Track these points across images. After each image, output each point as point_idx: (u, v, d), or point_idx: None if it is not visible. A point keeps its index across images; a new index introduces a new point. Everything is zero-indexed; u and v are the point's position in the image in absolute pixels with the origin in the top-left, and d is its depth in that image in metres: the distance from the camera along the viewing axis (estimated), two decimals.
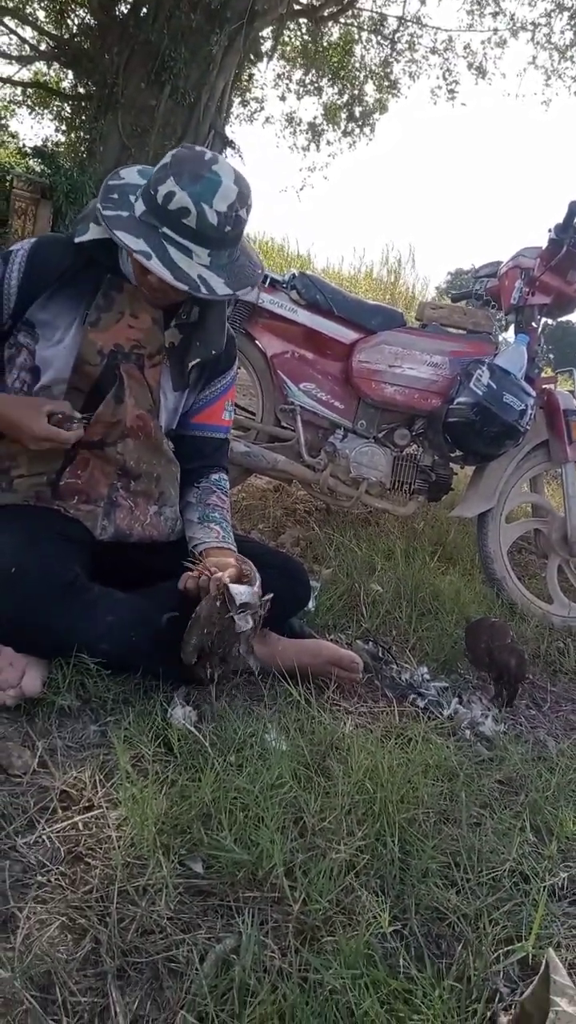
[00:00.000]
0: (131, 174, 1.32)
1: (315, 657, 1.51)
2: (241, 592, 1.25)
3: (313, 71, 11.66)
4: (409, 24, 10.83)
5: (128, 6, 9.47)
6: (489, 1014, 0.87)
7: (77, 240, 1.31)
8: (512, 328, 2.36)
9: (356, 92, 11.64)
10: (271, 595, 1.31)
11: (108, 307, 1.35)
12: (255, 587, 1.28)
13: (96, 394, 1.38)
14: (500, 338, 2.44)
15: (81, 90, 11.32)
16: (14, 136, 11.72)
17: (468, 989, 0.89)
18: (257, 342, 2.41)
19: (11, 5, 10.24)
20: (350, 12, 10.85)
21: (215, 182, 1.21)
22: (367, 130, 12.09)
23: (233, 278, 1.28)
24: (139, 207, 1.25)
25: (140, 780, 1.07)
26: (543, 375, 2.38)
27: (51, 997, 0.77)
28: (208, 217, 1.21)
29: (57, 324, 1.35)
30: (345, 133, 12.24)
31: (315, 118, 12.33)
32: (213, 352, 1.47)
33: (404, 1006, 0.84)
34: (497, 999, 0.90)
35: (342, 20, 11.03)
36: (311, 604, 1.75)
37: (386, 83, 11.50)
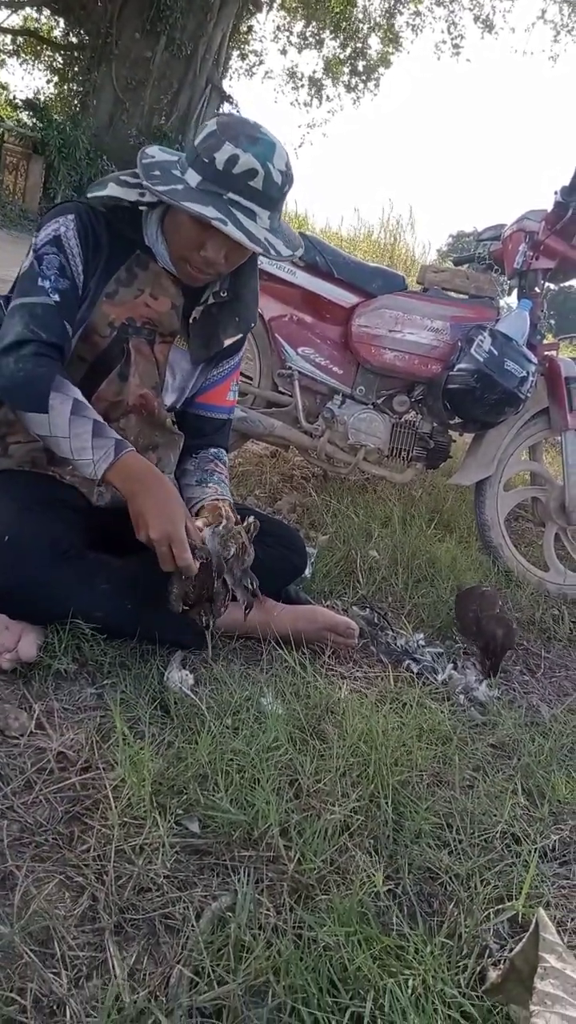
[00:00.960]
0: (157, 152, 1.27)
1: (311, 623, 1.51)
2: (207, 536, 1.25)
3: (314, 23, 11.29)
4: None
5: None
6: (479, 969, 0.89)
7: (90, 195, 1.26)
8: (515, 293, 2.33)
9: (359, 45, 11.30)
10: (251, 519, 1.30)
11: (129, 282, 1.32)
12: (220, 526, 1.27)
13: (99, 366, 1.35)
14: (502, 303, 2.41)
15: (74, 39, 10.96)
16: (4, 87, 11.39)
17: (459, 946, 0.91)
18: None
19: None
20: None
21: (270, 142, 1.21)
22: (371, 85, 11.77)
23: (288, 240, 1.27)
24: (192, 177, 1.20)
25: (137, 742, 1.07)
26: (545, 341, 2.35)
27: (50, 951, 0.78)
28: (273, 176, 1.19)
29: (85, 316, 1.31)
30: (348, 88, 11.92)
31: (314, 72, 12.00)
32: (252, 326, 1.45)
33: (396, 962, 0.85)
34: (487, 955, 0.92)
35: None
36: (308, 571, 1.75)
37: (389, 36, 11.16)
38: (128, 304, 1.32)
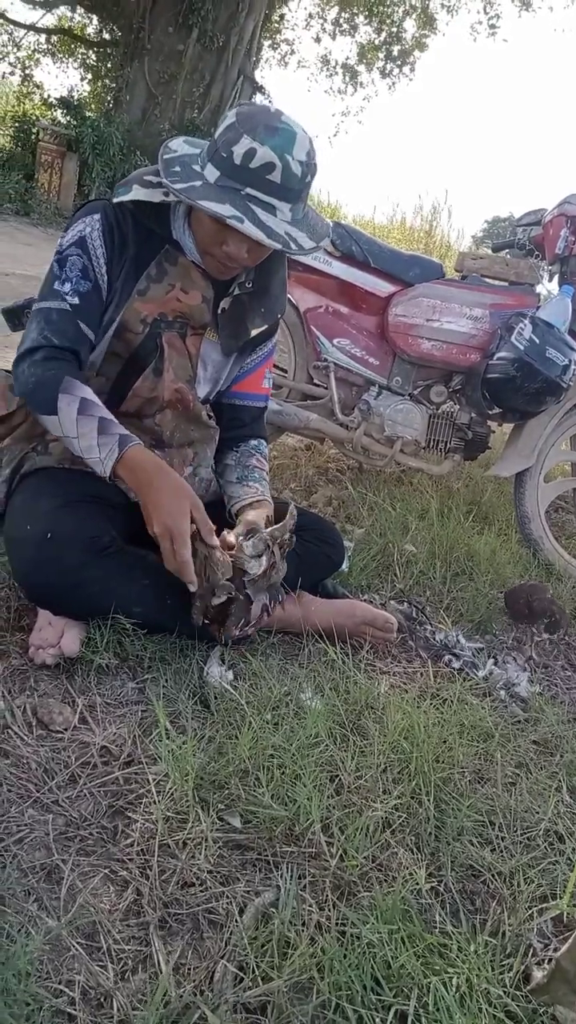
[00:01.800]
0: (181, 145, 1.27)
1: (349, 617, 1.51)
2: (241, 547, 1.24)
3: (348, 9, 11.15)
4: None
5: None
6: (523, 969, 0.88)
7: (116, 200, 1.26)
8: (556, 279, 2.27)
9: (394, 30, 11.11)
10: (287, 536, 1.28)
11: (159, 278, 1.32)
12: (251, 540, 1.25)
13: (135, 361, 1.36)
14: (543, 290, 2.35)
15: (106, 36, 11.03)
16: (39, 87, 11.51)
17: (502, 944, 0.90)
18: (289, 296, 2.35)
19: None
20: None
21: (290, 132, 1.18)
22: (406, 69, 11.58)
23: (312, 231, 1.25)
24: (211, 173, 1.19)
25: (178, 736, 1.08)
26: None
27: (96, 944, 0.80)
28: (293, 168, 1.17)
29: (113, 312, 1.32)
30: (383, 74, 11.74)
31: (347, 58, 11.84)
32: (279, 317, 1.45)
33: (440, 960, 0.85)
34: (531, 954, 0.91)
35: None
36: (344, 565, 1.74)
37: (423, 18, 10.97)
38: (159, 300, 1.33)
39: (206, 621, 1.27)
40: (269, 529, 1.28)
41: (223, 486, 1.48)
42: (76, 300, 1.25)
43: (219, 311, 1.39)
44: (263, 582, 1.25)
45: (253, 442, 1.54)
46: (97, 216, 1.28)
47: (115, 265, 1.28)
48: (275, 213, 1.19)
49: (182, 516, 1.18)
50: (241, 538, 1.26)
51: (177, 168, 1.21)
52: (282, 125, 1.18)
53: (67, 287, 1.25)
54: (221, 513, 1.45)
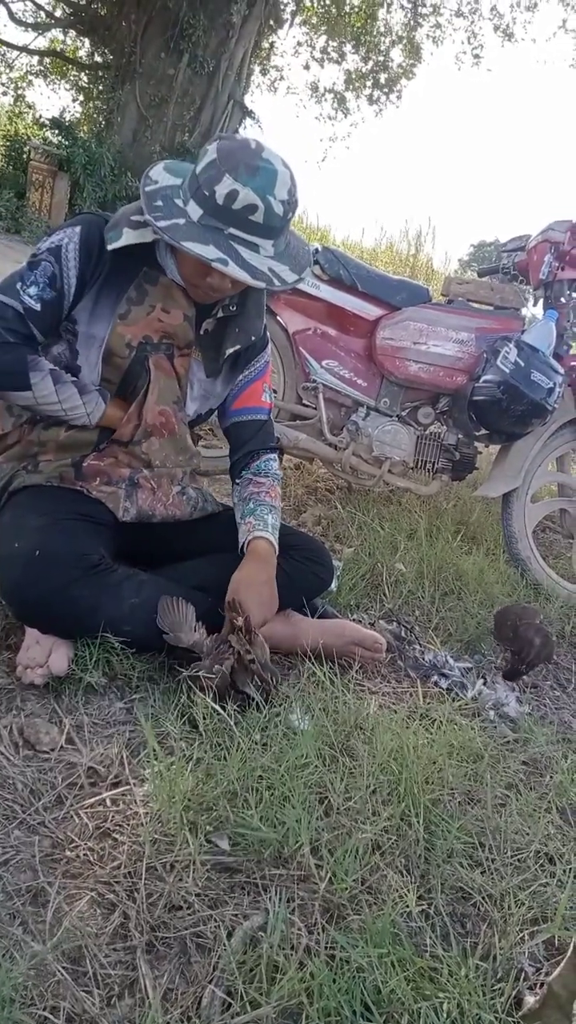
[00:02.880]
0: (161, 175, 1.27)
1: (338, 637, 1.51)
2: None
3: (336, 38, 11.37)
4: None
5: None
6: (515, 993, 0.87)
7: (111, 247, 1.27)
8: (541, 304, 2.31)
9: (381, 59, 11.33)
10: (275, 674, 1.30)
11: (140, 300, 1.33)
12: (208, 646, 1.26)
13: (125, 386, 1.37)
14: (527, 314, 2.39)
15: (98, 59, 11.15)
16: (31, 107, 11.61)
17: (494, 968, 0.90)
18: (279, 318, 2.38)
19: None
20: None
21: (272, 171, 1.19)
22: (393, 97, 11.79)
23: (294, 262, 1.27)
24: (193, 210, 1.21)
25: (166, 757, 1.07)
26: (571, 352, 2.33)
27: (82, 969, 0.78)
28: (274, 208, 1.19)
29: (95, 331, 1.33)
30: (371, 100, 11.94)
31: (333, 84, 12.04)
32: (252, 339, 1.46)
33: (430, 984, 0.84)
34: (523, 978, 0.90)
35: None
36: (333, 584, 1.74)
37: (409, 48, 11.21)
38: (142, 322, 1.34)
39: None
40: (242, 636, 1.26)
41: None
42: (36, 306, 1.27)
43: (202, 332, 1.40)
44: (241, 676, 1.25)
45: (256, 462, 1.52)
46: (78, 228, 1.29)
47: (87, 279, 1.30)
48: (258, 251, 1.21)
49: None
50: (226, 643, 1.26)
51: (159, 203, 1.22)
52: (263, 164, 1.18)
53: (32, 290, 1.27)
54: (216, 529, 1.45)
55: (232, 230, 1.20)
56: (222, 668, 1.22)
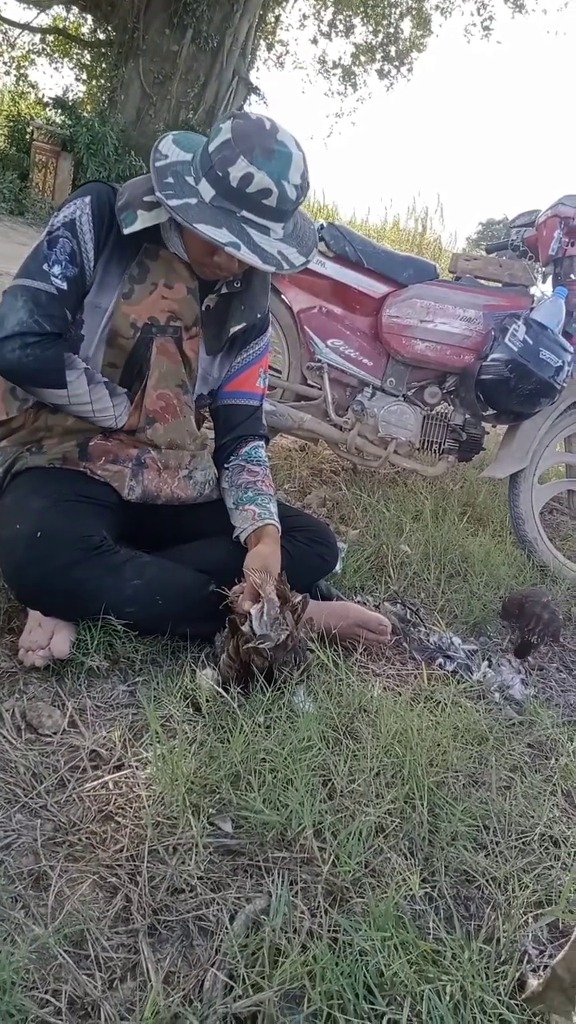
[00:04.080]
0: (171, 149, 1.25)
1: (342, 619, 1.49)
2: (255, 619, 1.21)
3: (345, 10, 11.15)
4: None
5: None
6: (518, 976, 0.87)
7: (127, 231, 1.26)
8: (550, 280, 2.27)
9: (391, 30, 11.12)
10: (300, 598, 1.28)
11: (142, 278, 1.31)
12: (266, 612, 1.22)
13: (129, 370, 1.35)
14: (536, 291, 2.35)
15: (101, 36, 11.00)
16: (34, 86, 11.48)
17: (497, 951, 0.89)
18: (283, 297, 2.35)
19: None
20: None
21: (287, 154, 1.17)
22: (404, 70, 11.59)
23: (301, 243, 1.26)
24: (206, 190, 1.19)
25: (169, 740, 1.07)
26: None
27: (84, 952, 0.78)
28: (288, 193, 1.18)
29: (100, 300, 1.31)
30: (381, 74, 11.73)
31: (340, 57, 11.85)
32: (258, 316, 1.44)
33: (433, 967, 0.84)
34: (526, 961, 0.90)
35: None
36: (338, 566, 1.72)
37: (418, 19, 10.99)
38: (145, 302, 1.32)
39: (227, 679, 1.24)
40: (277, 596, 1.24)
41: (228, 511, 1.46)
42: (64, 285, 1.25)
43: (204, 308, 1.38)
44: (281, 652, 1.22)
45: (244, 449, 1.50)
46: (88, 199, 1.28)
47: (102, 245, 1.29)
48: (268, 234, 1.20)
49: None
50: (255, 607, 1.22)
51: (170, 179, 1.20)
52: (278, 147, 1.17)
53: (56, 269, 1.25)
54: (221, 513, 1.44)
55: (244, 213, 1.18)
56: (276, 642, 1.20)
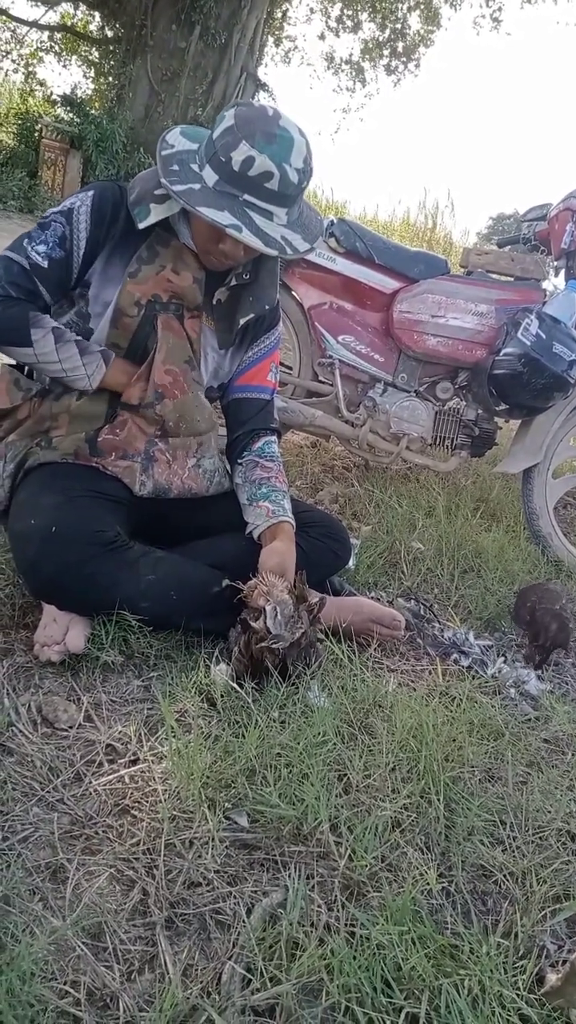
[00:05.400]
0: (178, 139, 1.26)
1: (356, 615, 1.49)
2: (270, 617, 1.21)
3: (352, 5, 11.10)
4: None
5: None
6: (536, 971, 0.86)
7: (142, 226, 1.27)
8: (562, 274, 2.25)
9: (398, 26, 11.06)
10: (318, 599, 1.28)
11: (151, 260, 1.32)
12: (281, 610, 1.21)
13: (134, 348, 1.35)
14: (549, 285, 2.33)
15: (109, 33, 11.00)
16: (42, 84, 11.50)
17: (515, 946, 0.89)
18: (294, 293, 2.34)
19: None
20: None
21: (288, 139, 1.18)
22: (412, 66, 11.53)
23: (306, 231, 1.26)
24: (209, 176, 1.20)
25: (184, 735, 1.07)
26: None
27: (102, 945, 0.79)
28: (290, 176, 1.18)
29: (106, 295, 1.33)
30: (389, 70, 11.68)
31: (350, 54, 11.82)
32: (267, 307, 1.44)
33: (451, 961, 0.83)
34: (544, 956, 0.89)
35: None
36: (351, 562, 1.72)
37: (427, 13, 10.93)
38: (151, 280, 1.32)
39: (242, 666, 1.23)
40: (291, 593, 1.24)
41: (242, 507, 1.45)
42: (43, 263, 1.27)
43: (215, 302, 1.38)
44: (295, 651, 1.22)
45: (257, 444, 1.49)
46: (92, 192, 1.30)
47: (100, 240, 1.30)
48: (271, 219, 1.20)
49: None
50: (270, 605, 1.21)
51: (175, 167, 1.22)
52: (280, 131, 1.18)
53: (40, 248, 1.27)
54: (234, 508, 1.44)
55: (247, 197, 1.19)
56: (290, 641, 1.20)
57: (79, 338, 1.31)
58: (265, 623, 1.19)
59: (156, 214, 1.27)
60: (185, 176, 1.21)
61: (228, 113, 1.21)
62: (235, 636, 1.27)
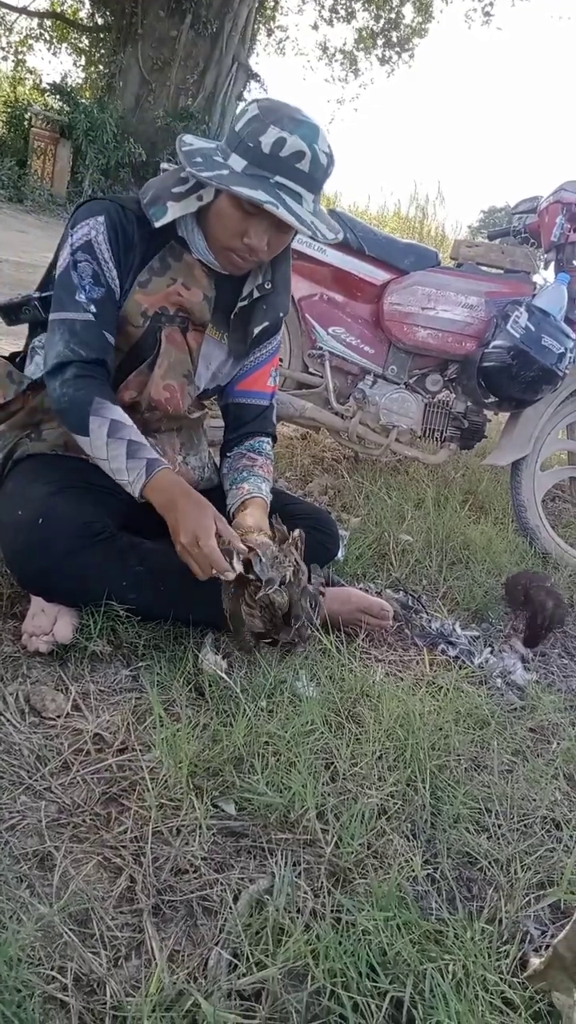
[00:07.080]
0: (195, 139, 1.25)
1: (344, 604, 1.50)
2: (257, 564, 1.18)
3: None
4: None
5: None
6: (520, 955, 0.87)
7: (158, 224, 1.24)
8: (552, 267, 2.26)
9: (392, 16, 11.02)
10: (297, 532, 1.25)
11: (162, 272, 1.30)
12: (265, 552, 1.19)
13: (134, 355, 1.34)
14: (539, 277, 2.34)
15: (99, 20, 10.90)
16: (32, 72, 11.39)
17: (499, 931, 0.90)
18: None
19: None
20: None
21: (314, 124, 1.18)
22: (406, 56, 11.49)
23: (327, 223, 1.25)
24: (236, 162, 1.18)
25: (172, 724, 1.07)
26: None
27: (88, 931, 0.79)
28: (320, 158, 1.18)
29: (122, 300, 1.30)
30: (382, 60, 11.64)
31: (344, 43, 11.77)
32: (280, 315, 1.42)
33: (436, 947, 0.84)
34: (528, 941, 0.90)
35: None
36: (340, 554, 1.73)
37: (420, 4, 10.90)
38: (161, 293, 1.30)
39: (259, 638, 1.21)
40: (268, 539, 1.22)
41: (225, 496, 1.45)
42: (93, 308, 1.23)
43: (233, 315, 1.37)
44: (296, 590, 1.20)
45: (249, 442, 1.49)
46: (101, 219, 1.25)
47: (123, 266, 1.27)
48: (301, 203, 1.19)
49: (206, 519, 1.17)
50: (254, 553, 1.19)
51: (199, 159, 1.20)
52: (304, 118, 1.18)
53: (83, 296, 1.23)
54: (219, 502, 1.44)
55: (278, 178, 1.17)
56: (282, 578, 1.16)
57: (134, 438, 1.21)
58: (254, 571, 1.17)
59: (173, 212, 1.24)
60: (211, 165, 1.19)
61: (249, 107, 1.20)
62: (229, 599, 1.21)
